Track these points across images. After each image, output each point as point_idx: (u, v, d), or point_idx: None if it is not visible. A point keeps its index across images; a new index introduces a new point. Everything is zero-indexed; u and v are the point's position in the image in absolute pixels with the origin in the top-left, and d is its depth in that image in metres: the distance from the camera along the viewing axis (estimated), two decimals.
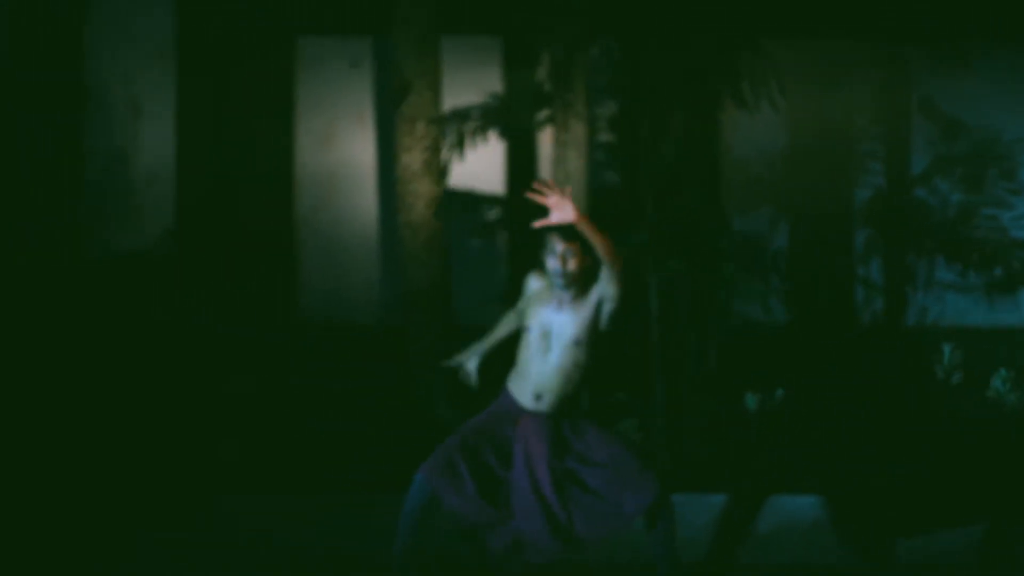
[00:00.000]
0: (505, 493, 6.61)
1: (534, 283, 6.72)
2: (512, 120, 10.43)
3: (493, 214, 10.50)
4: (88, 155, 10.60)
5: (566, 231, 6.47)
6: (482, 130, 10.16)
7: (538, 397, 6.64)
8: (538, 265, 6.71)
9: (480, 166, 10.43)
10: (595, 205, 9.47)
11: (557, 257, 6.51)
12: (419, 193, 9.64)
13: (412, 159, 9.64)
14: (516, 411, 6.67)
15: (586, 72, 9.21)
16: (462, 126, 10.12)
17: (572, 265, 6.53)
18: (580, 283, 6.58)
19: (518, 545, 6.61)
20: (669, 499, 6.64)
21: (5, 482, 8.66)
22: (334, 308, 10.73)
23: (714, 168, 10.05)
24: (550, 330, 6.58)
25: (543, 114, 10.20)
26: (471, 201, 10.40)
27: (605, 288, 6.53)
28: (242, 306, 10.51)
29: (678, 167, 9.15)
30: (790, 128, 10.52)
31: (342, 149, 10.80)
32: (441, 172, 9.79)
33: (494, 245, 10.60)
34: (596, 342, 6.59)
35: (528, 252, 10.20)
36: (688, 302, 9.27)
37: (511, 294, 10.29)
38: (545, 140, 10.43)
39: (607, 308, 6.57)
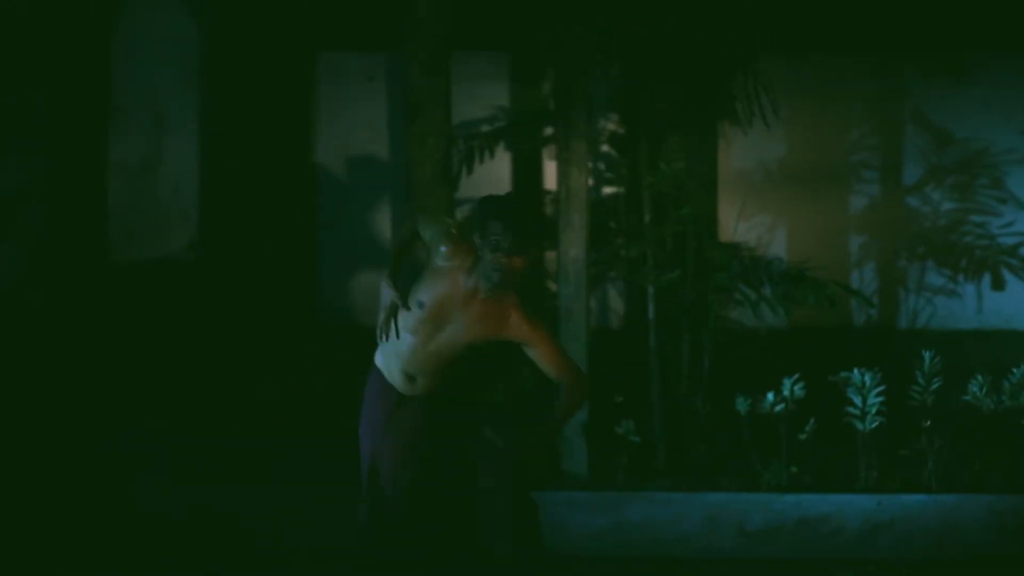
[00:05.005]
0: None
1: (447, 247, 5.57)
2: (518, 137, 10.50)
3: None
4: (113, 168, 10.60)
5: (528, 228, 5.40)
6: (490, 145, 10.28)
7: (411, 379, 5.69)
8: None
9: (488, 177, 10.54)
10: (597, 219, 9.64)
11: (503, 250, 5.37)
12: (431, 205, 9.55)
13: (424, 173, 9.60)
14: (391, 394, 5.73)
15: (588, 92, 9.30)
16: (471, 142, 10.23)
17: (518, 264, 5.41)
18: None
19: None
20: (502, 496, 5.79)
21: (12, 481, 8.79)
22: (352, 313, 10.81)
23: (712, 181, 10.22)
24: (445, 319, 5.57)
25: (547, 131, 10.35)
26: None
27: (537, 364, 5.60)
28: (264, 312, 10.53)
29: (675, 184, 9.28)
30: (787, 140, 10.66)
31: (361, 159, 10.91)
32: (451, 184, 9.81)
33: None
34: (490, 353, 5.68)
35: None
36: (684, 310, 9.42)
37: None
38: (548, 152, 10.55)
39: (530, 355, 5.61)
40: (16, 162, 10.19)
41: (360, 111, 10.94)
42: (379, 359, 5.82)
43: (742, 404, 8.75)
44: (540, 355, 5.55)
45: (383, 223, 10.85)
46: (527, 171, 10.83)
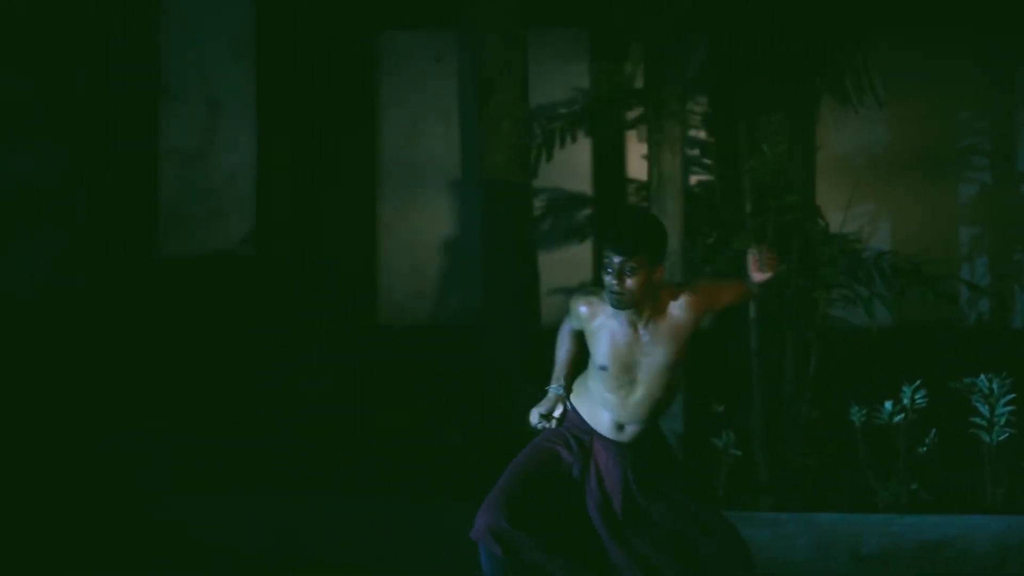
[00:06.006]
0: (576, 526, 5.75)
1: (583, 308, 5.65)
2: (601, 119, 10.12)
3: (582, 215, 10.31)
4: (165, 155, 10.48)
5: (625, 242, 5.46)
6: (570, 129, 9.87)
7: (620, 428, 5.70)
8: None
9: (566, 164, 10.24)
10: (691, 207, 9.24)
11: (613, 271, 5.46)
12: (505, 193, 9.36)
13: (498, 159, 9.35)
14: (587, 433, 5.74)
15: (679, 68, 8.95)
16: (549, 125, 9.83)
17: (631, 283, 5.46)
18: (651, 299, 5.55)
19: None
20: None
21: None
22: (415, 310, 10.58)
23: (811, 165, 9.79)
24: (635, 362, 5.59)
25: (634, 113, 9.92)
26: (559, 202, 10.19)
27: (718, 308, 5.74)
28: (322, 307, 10.34)
29: (778, 168, 8.85)
30: (890, 122, 10.30)
31: (427, 146, 10.66)
32: (528, 172, 9.53)
33: (580, 247, 10.40)
34: (688, 354, 5.70)
35: None
36: (788, 307, 8.98)
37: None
38: (632, 136, 10.25)
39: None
40: (56, 147, 10.10)
41: (427, 94, 10.70)
42: (580, 404, 5.78)
43: (857, 414, 8.12)
44: (725, 296, 5.72)
45: (452, 216, 10.56)
46: (611, 157, 10.48)
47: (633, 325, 5.55)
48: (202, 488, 8.67)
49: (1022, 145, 10.42)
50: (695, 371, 8.67)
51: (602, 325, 5.60)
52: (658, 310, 5.55)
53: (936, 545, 7.90)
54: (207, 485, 8.71)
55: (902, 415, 8.06)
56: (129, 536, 8.33)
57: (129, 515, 8.43)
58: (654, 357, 5.57)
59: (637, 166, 10.13)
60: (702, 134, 9.81)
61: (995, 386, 8.07)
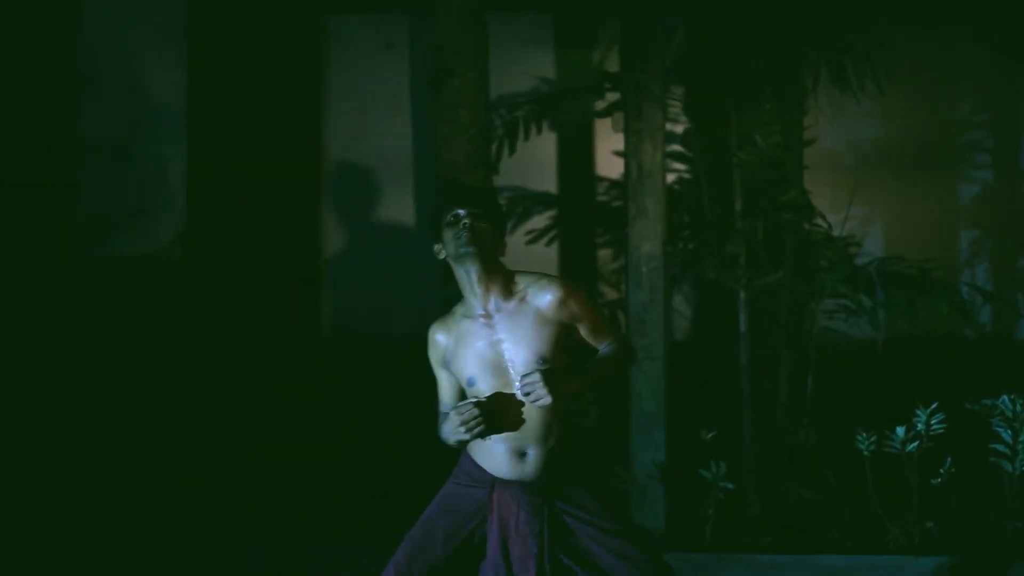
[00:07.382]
0: None
1: (440, 335, 5.37)
2: (567, 108, 9.77)
3: (547, 216, 9.90)
4: (85, 148, 10.14)
5: (468, 194, 5.43)
6: (535, 119, 9.47)
7: (521, 456, 5.28)
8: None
9: (529, 161, 9.87)
10: (671, 207, 8.81)
11: (459, 219, 5.27)
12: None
13: (455, 152, 8.88)
14: (484, 482, 5.33)
15: (660, 48, 8.42)
16: (512, 114, 9.44)
17: (481, 227, 5.27)
18: (498, 275, 5.31)
19: None
20: None
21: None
22: (365, 320, 10.23)
23: (801, 161, 9.31)
24: (501, 361, 5.28)
25: (607, 100, 9.51)
26: (522, 201, 9.75)
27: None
28: (261, 318, 10.02)
29: (773, 162, 8.41)
30: (884, 115, 9.91)
31: (377, 140, 10.27)
32: (489, 167, 9.11)
33: (546, 251, 9.98)
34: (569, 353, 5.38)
35: (583, 257, 9.92)
36: (782, 319, 8.55)
37: None
38: (602, 129, 9.82)
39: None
40: None
41: (377, 84, 10.31)
42: (472, 450, 5.36)
43: (864, 442, 7.58)
44: (584, 320, 5.33)
45: (404, 216, 10.18)
46: (578, 153, 10.09)
47: (484, 316, 5.26)
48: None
49: None
50: (678, 392, 8.43)
51: (459, 339, 5.30)
52: (509, 293, 5.28)
53: None
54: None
55: (916, 443, 7.51)
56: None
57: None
58: (519, 351, 5.24)
59: (606, 163, 9.74)
60: (678, 127, 9.42)
61: (1019, 408, 7.53)
